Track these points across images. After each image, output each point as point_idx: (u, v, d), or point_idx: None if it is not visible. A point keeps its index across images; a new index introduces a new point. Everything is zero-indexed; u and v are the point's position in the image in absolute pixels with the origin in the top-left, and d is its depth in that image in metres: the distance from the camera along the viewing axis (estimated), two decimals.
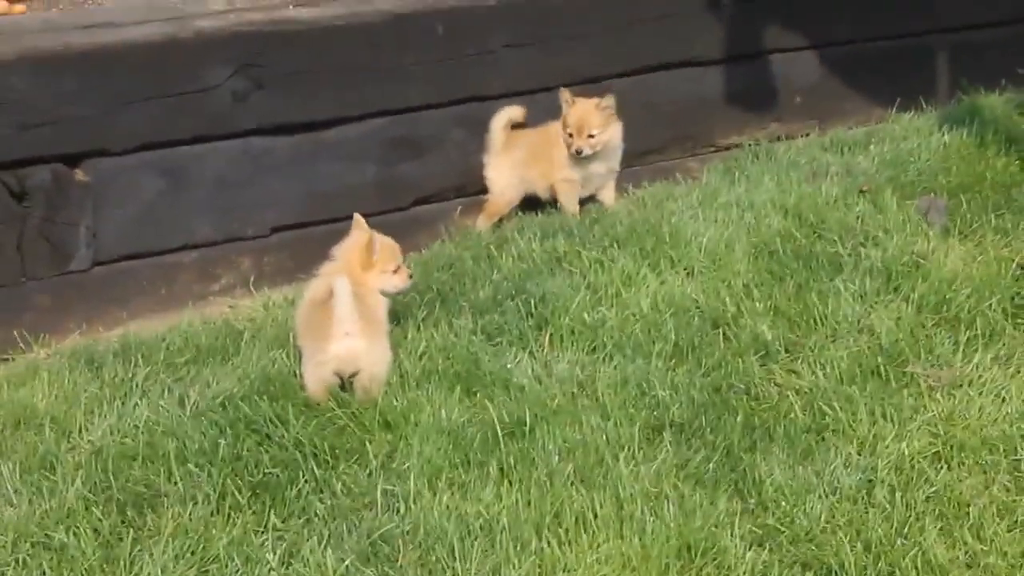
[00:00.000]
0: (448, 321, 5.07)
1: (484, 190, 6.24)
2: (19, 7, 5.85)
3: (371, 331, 4.59)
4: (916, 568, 3.79)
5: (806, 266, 5.25)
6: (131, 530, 4.03)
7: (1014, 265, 5.17)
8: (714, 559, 3.85)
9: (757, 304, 5.05)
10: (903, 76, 7.14)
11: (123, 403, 4.68)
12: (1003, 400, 4.47)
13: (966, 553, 3.87)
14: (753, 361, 4.75)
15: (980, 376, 4.58)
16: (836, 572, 3.79)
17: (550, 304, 5.06)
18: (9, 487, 4.25)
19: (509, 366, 4.77)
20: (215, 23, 5.61)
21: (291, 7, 5.83)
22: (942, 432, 4.32)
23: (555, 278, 5.29)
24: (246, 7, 5.79)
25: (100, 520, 4.05)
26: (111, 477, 4.23)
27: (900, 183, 5.90)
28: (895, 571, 3.78)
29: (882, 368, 4.64)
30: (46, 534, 4.00)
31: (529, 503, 4.04)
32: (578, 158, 6.09)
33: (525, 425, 4.38)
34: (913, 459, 4.21)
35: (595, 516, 3.98)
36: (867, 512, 4.00)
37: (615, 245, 5.49)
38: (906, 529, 3.93)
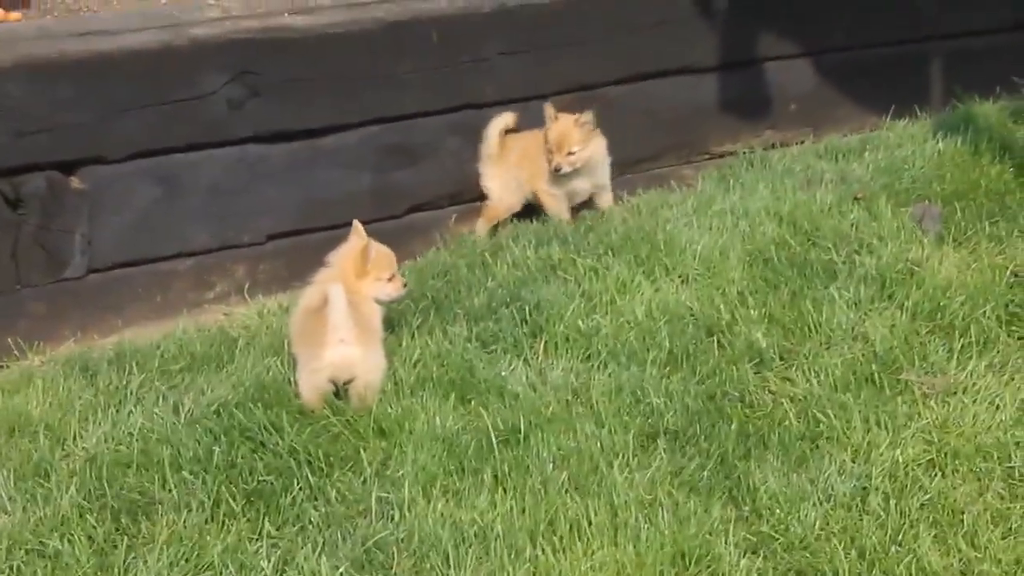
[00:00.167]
0: (443, 328, 5.07)
1: (479, 197, 6.25)
2: (14, 15, 5.85)
3: (366, 338, 4.59)
4: (910, 575, 3.80)
5: (800, 273, 5.25)
6: (125, 537, 4.03)
7: (1008, 273, 5.17)
8: (708, 566, 3.85)
9: (751, 312, 5.05)
10: (897, 84, 7.15)
11: (118, 410, 4.68)
12: (997, 407, 4.47)
13: (960, 560, 3.87)
14: (747, 369, 4.75)
15: (974, 383, 4.59)
16: None
17: (545, 311, 5.07)
18: (3, 494, 4.25)
19: (504, 373, 4.77)
20: (211, 31, 5.61)
21: (287, 15, 5.83)
22: (936, 439, 4.33)
23: (550, 286, 5.30)
24: (242, 15, 5.78)
25: (94, 527, 4.06)
26: (105, 484, 4.23)
27: (894, 190, 5.90)
28: None
29: (876, 375, 4.65)
30: (40, 541, 4.01)
31: (523, 510, 4.04)
32: (557, 176, 6.07)
33: (519, 432, 4.38)
34: (907, 466, 4.21)
35: (589, 523, 3.98)
36: (861, 519, 4.01)
37: (610, 253, 5.49)
38: (900, 536, 3.94)
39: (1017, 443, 4.30)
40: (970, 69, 7.20)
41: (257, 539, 4.01)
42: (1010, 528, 3.98)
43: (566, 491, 4.13)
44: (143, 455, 4.37)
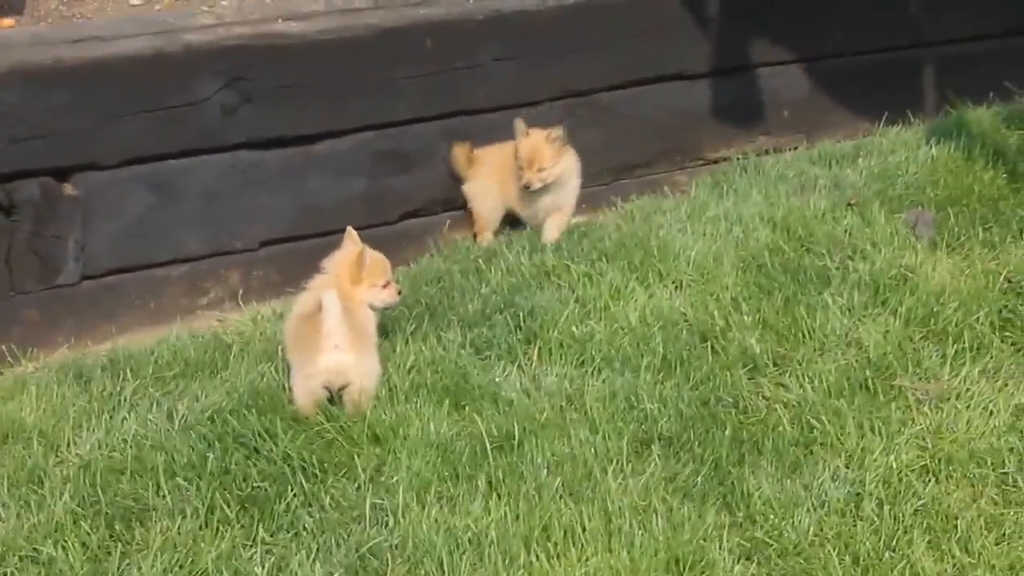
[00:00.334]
0: (437, 335, 5.07)
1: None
2: (7, 21, 5.85)
3: (360, 344, 4.59)
4: None
5: (794, 279, 5.26)
6: (119, 544, 4.03)
7: (1001, 278, 5.18)
8: (702, 572, 3.85)
9: (745, 317, 5.06)
10: (891, 89, 7.15)
11: (111, 417, 4.68)
12: (991, 413, 4.48)
13: (954, 566, 3.88)
14: (741, 374, 4.76)
15: (968, 389, 4.59)
16: None
17: (539, 318, 5.07)
18: None
19: (498, 380, 4.77)
20: (204, 37, 5.61)
21: (280, 21, 5.82)
22: (930, 445, 4.33)
23: (544, 292, 5.30)
24: (235, 21, 5.78)
25: (88, 534, 4.05)
26: (99, 491, 4.23)
27: (888, 196, 5.91)
28: None
29: (870, 381, 4.65)
30: (34, 548, 4.00)
31: (518, 517, 4.04)
32: (527, 192, 5.96)
33: (514, 439, 4.38)
34: (901, 472, 4.22)
35: (584, 529, 3.98)
36: (855, 525, 4.01)
37: (603, 259, 5.49)
38: (894, 542, 3.94)
39: (1010, 449, 4.31)
40: (963, 75, 7.21)
41: (251, 545, 4.01)
42: (1004, 534, 3.99)
43: (560, 497, 4.13)
44: (137, 461, 4.37)
